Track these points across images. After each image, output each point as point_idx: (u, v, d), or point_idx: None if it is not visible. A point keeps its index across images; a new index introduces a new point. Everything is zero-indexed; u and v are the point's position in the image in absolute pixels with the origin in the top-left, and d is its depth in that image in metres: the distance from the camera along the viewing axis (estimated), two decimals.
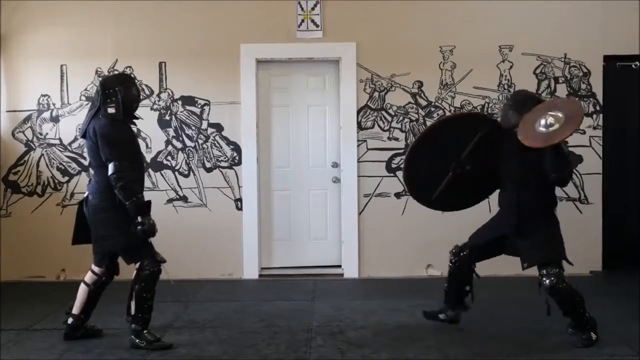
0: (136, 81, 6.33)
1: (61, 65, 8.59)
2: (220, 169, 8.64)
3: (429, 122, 8.52)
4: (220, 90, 8.60)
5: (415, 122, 8.58)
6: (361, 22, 8.57)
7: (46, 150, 8.62)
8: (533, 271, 5.91)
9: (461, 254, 6.21)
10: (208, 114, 8.61)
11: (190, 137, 8.62)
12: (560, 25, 8.58)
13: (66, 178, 8.63)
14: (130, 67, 8.47)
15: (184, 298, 7.37)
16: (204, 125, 8.60)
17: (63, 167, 8.63)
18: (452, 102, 8.58)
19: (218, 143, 8.62)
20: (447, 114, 8.50)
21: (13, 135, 8.63)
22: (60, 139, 8.61)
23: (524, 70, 8.59)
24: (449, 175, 6.14)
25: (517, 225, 5.89)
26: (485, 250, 6.16)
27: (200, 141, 8.61)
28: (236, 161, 8.63)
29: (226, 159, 8.63)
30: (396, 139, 8.60)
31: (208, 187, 8.64)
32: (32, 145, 8.64)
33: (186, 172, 8.64)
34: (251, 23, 8.57)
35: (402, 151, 8.54)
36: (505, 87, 8.58)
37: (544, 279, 5.76)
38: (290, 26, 8.58)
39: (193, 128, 8.61)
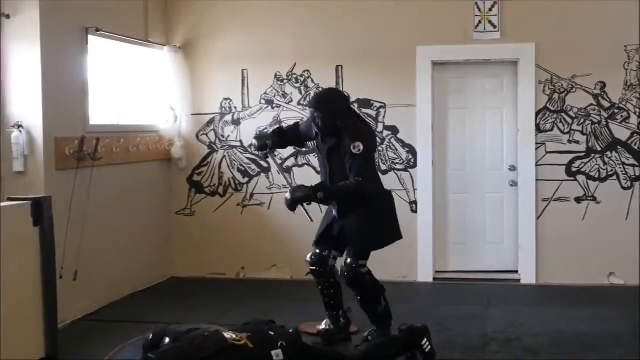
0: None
1: (242, 70, 8.85)
2: (396, 171, 8.64)
3: (612, 125, 8.22)
4: (395, 93, 8.60)
5: (597, 125, 8.27)
6: (540, 22, 8.34)
7: (228, 152, 8.93)
8: None
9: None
10: (384, 117, 8.63)
11: None
12: None
13: (246, 179, 8.90)
14: (308, 70, 8.63)
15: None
16: (380, 127, 8.62)
17: (243, 169, 8.91)
18: (637, 104, 8.19)
19: (393, 145, 8.64)
20: (631, 115, 8.18)
21: (197, 137, 8.99)
22: (241, 141, 8.88)
23: None
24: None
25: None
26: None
27: None
28: (411, 164, 8.62)
29: (401, 161, 8.64)
30: (577, 142, 8.31)
31: None
32: (215, 147, 8.96)
33: None
34: (427, 25, 8.52)
35: (583, 154, 8.28)
36: None
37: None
38: (467, 27, 8.47)
39: None
